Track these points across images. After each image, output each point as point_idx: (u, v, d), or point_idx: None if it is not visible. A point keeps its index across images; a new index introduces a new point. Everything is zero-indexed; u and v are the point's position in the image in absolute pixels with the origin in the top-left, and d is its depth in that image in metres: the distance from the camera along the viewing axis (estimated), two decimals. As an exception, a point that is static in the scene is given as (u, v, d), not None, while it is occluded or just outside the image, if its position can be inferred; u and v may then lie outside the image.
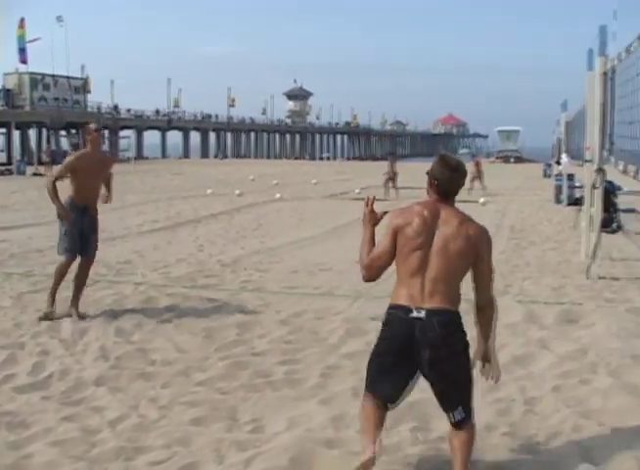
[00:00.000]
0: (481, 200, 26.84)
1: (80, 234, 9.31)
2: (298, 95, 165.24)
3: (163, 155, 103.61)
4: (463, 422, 4.74)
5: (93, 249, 9.53)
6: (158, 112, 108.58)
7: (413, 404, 6.13)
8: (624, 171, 8.51)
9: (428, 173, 4.86)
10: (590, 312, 9.51)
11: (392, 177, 30.37)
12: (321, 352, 7.73)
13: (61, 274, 9.36)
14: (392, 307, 4.86)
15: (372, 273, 4.95)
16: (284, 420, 5.95)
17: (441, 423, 5.84)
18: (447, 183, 4.80)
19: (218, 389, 6.72)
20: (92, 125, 9.91)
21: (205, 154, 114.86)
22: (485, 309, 4.97)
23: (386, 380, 4.90)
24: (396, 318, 4.81)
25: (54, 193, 9.12)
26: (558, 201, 27.01)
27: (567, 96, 27.33)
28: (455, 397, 4.77)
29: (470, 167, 34.04)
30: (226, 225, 19.84)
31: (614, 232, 18.51)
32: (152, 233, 18.16)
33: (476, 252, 4.74)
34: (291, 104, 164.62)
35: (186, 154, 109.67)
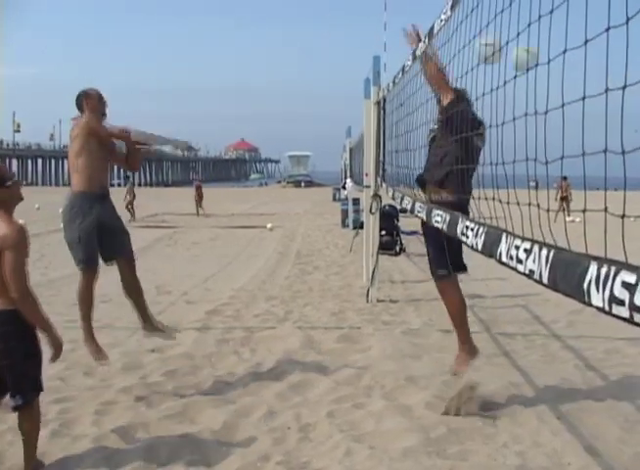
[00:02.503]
0: (269, 225, 27.10)
1: (100, 229, 7.39)
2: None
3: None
4: (20, 407, 5.26)
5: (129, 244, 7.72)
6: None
7: (188, 438, 6.10)
8: (393, 198, 8.74)
9: None
10: (367, 336, 9.73)
11: (131, 200, 33.01)
12: (96, 388, 7.52)
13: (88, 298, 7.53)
14: None
15: None
16: (55, 462, 5.71)
17: (219, 456, 5.84)
18: None
19: (-16, 434, 6.39)
20: (92, 90, 7.71)
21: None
22: (17, 302, 5.11)
23: None
24: None
25: None
26: (344, 225, 27.64)
27: (352, 122, 28.11)
28: (15, 385, 5.21)
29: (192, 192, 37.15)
30: (6, 257, 18.99)
31: (397, 255, 19.15)
32: None
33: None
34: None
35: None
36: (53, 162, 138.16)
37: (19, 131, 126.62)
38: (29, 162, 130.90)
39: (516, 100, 3.48)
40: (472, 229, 3.95)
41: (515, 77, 3.50)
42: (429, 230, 7.10)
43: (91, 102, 7.57)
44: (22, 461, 5.62)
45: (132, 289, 7.69)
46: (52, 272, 16.18)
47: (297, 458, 5.79)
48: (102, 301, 12.33)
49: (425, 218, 5.73)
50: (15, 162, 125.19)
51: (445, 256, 7.19)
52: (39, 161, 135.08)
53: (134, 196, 33.33)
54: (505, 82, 3.68)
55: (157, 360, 8.56)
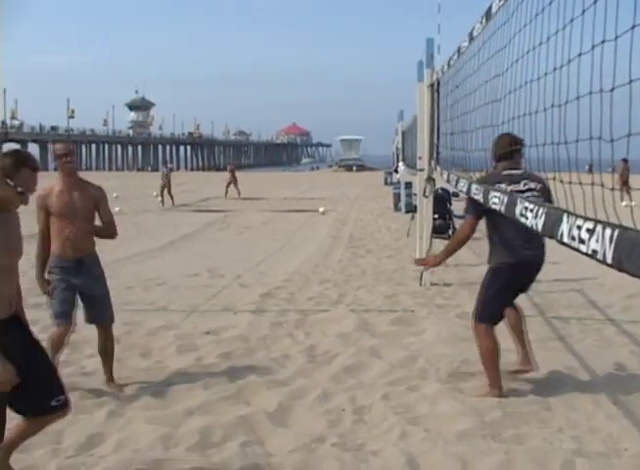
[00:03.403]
0: (321, 209, 27.21)
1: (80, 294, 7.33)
2: (140, 106, 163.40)
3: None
4: None
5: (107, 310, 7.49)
6: (4, 123, 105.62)
7: (243, 419, 6.13)
8: (448, 181, 8.68)
9: None
10: (422, 319, 9.72)
11: (167, 186, 32.18)
12: (152, 370, 7.60)
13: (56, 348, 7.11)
14: None
15: None
16: (112, 442, 5.79)
17: (274, 438, 5.87)
18: None
19: (44, 413, 6.48)
20: (58, 146, 7.37)
21: (44, 167, 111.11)
22: None
23: None
24: None
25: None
26: (397, 208, 27.56)
27: (404, 106, 27.96)
28: None
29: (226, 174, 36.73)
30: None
31: (449, 238, 19.01)
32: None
33: None
34: (132, 115, 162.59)
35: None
36: (106, 147, 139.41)
37: (73, 117, 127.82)
38: (84, 147, 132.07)
39: (580, 78, 3.42)
40: (531, 210, 3.90)
41: (579, 55, 3.44)
42: (495, 277, 6.75)
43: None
44: (83, 440, 5.73)
45: (104, 351, 7.39)
46: (105, 256, 16.08)
47: (352, 440, 5.81)
48: (157, 283, 12.48)
49: (482, 200, 5.66)
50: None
51: (497, 307, 6.81)
52: (93, 146, 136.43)
53: (167, 183, 32.05)
54: (569, 60, 3.62)
55: (211, 342, 8.62)
